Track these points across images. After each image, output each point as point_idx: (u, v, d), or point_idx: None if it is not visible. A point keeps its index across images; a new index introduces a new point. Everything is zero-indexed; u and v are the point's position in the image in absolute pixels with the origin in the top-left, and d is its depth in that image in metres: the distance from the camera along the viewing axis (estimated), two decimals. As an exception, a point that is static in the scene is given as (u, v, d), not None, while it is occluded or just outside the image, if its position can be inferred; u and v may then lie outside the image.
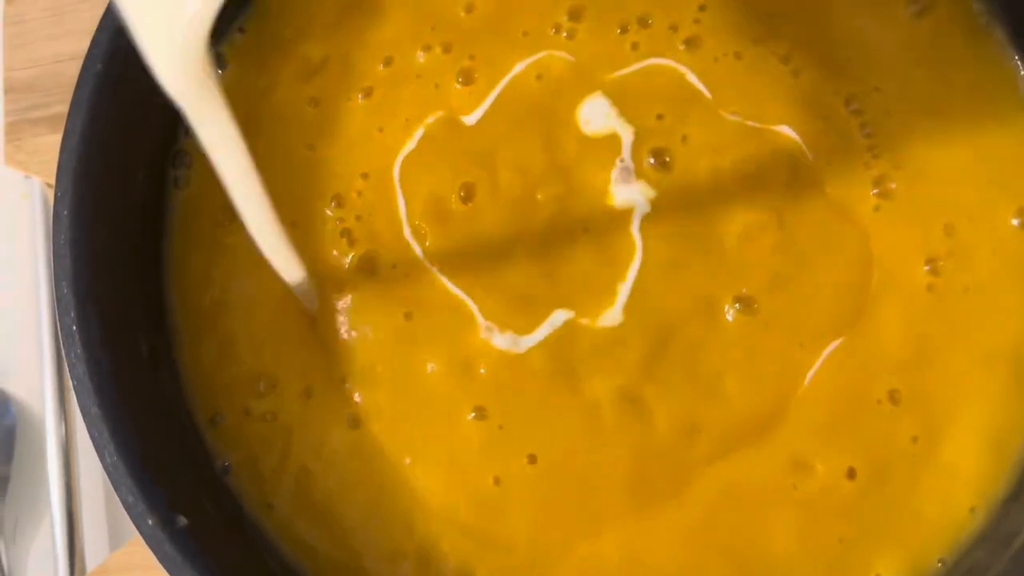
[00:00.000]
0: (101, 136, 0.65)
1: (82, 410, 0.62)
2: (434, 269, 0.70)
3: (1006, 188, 0.71)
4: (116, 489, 0.60)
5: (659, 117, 0.72)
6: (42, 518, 0.81)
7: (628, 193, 0.70)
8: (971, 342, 0.69)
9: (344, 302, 0.70)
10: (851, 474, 0.67)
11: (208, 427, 0.70)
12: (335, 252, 0.71)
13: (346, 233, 0.71)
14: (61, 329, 0.62)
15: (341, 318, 0.70)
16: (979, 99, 0.73)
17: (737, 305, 0.69)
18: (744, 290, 0.69)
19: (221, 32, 0.74)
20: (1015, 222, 0.71)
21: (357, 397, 0.69)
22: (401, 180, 0.72)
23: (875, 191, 0.71)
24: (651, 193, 0.70)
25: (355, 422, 0.69)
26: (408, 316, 0.70)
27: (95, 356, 0.62)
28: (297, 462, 0.69)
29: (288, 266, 0.65)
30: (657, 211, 0.70)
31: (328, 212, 0.72)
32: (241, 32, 0.75)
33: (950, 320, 0.69)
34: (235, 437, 0.69)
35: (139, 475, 0.61)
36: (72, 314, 0.62)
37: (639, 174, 0.71)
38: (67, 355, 0.62)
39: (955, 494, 0.67)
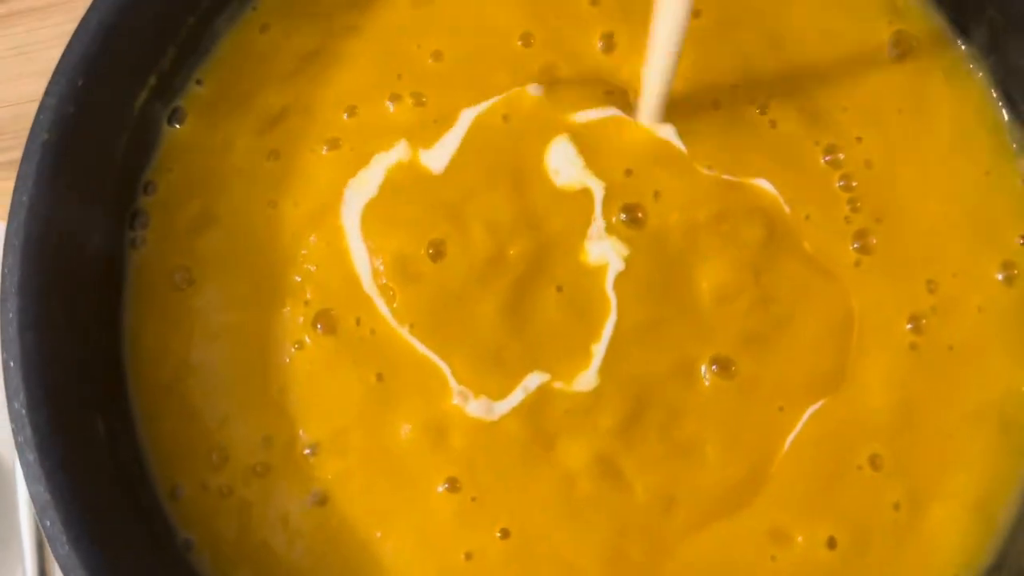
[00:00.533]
0: (51, 208, 0.63)
1: (33, 498, 0.59)
2: (403, 330, 0.67)
3: (991, 241, 0.69)
4: (69, 578, 0.58)
5: (628, 172, 0.69)
6: (14, 570, 0.79)
7: (601, 250, 0.67)
8: (956, 403, 0.67)
9: (309, 361, 0.68)
10: (831, 543, 0.65)
11: (168, 501, 0.68)
12: (289, 309, 0.69)
13: (306, 288, 0.69)
14: (10, 413, 0.60)
15: (308, 379, 0.68)
16: (963, 148, 0.71)
17: (714, 367, 0.67)
18: (721, 351, 0.67)
19: (179, 86, 0.71)
20: (1000, 277, 0.69)
21: (323, 465, 0.67)
22: (364, 234, 0.70)
23: (855, 245, 0.69)
24: (624, 251, 0.67)
25: (320, 494, 0.67)
26: (380, 378, 0.67)
27: (45, 443, 0.60)
28: (258, 536, 0.67)
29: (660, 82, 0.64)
30: (631, 269, 0.68)
31: (290, 269, 0.70)
32: (199, 84, 0.72)
33: (934, 380, 0.67)
34: (195, 512, 0.67)
35: (94, 566, 0.59)
36: (22, 397, 0.60)
37: (610, 230, 0.68)
38: (16, 440, 0.60)
39: (938, 563, 0.66)
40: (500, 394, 0.67)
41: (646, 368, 0.67)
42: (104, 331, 0.68)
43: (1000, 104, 0.71)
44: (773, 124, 0.71)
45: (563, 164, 0.69)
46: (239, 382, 0.68)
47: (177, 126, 0.71)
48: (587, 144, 0.70)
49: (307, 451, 0.67)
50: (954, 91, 0.71)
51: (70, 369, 0.64)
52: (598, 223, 0.68)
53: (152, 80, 0.69)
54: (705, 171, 0.69)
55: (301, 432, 0.68)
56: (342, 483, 0.67)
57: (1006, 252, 0.69)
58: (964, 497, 0.66)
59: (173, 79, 0.71)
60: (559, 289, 0.68)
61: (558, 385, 0.67)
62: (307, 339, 0.68)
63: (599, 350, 0.67)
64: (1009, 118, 0.71)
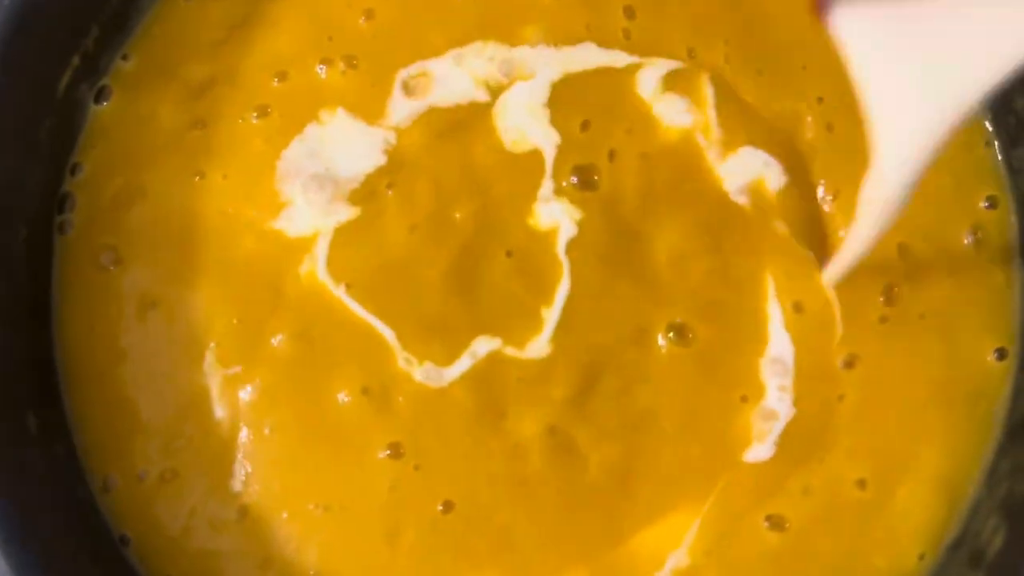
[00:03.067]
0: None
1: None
2: (339, 291, 0.64)
3: (958, 204, 0.67)
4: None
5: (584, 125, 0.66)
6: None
7: (552, 213, 0.64)
8: (925, 375, 0.65)
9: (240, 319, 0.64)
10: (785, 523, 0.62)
11: (102, 495, 0.64)
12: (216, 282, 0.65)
13: (236, 258, 0.65)
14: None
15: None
16: None
17: (671, 334, 0.62)
18: (678, 318, 0.63)
19: (105, 64, 0.68)
20: (967, 240, 0.67)
21: (256, 438, 0.64)
22: (304, 200, 0.66)
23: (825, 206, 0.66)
24: (577, 214, 0.63)
25: (253, 470, 0.64)
26: (311, 341, 0.64)
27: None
28: (195, 526, 0.64)
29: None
30: (584, 233, 0.65)
31: (218, 240, 0.66)
32: (124, 60, 0.69)
33: (904, 352, 0.65)
34: (129, 505, 0.64)
35: (25, 566, 0.57)
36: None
37: (559, 192, 0.65)
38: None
39: (903, 541, 0.63)
40: (446, 360, 0.63)
41: (600, 335, 0.64)
42: (34, 324, 0.65)
43: None
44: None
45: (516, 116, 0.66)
46: (168, 363, 0.65)
47: (104, 104, 0.68)
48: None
49: (243, 431, 0.64)
50: None
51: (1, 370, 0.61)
52: (548, 185, 0.64)
53: (75, 61, 0.66)
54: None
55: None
56: (275, 455, 0.64)
57: (973, 216, 0.67)
58: (930, 474, 0.63)
59: (99, 59, 0.68)
60: (509, 254, 0.65)
61: (509, 351, 0.64)
62: (236, 320, 0.65)
63: (551, 316, 0.64)
64: None
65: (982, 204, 0.67)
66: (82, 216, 0.67)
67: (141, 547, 0.64)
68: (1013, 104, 0.67)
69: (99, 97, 0.68)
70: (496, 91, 0.67)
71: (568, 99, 0.67)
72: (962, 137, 0.68)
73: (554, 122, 0.66)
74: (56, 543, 0.60)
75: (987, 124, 0.68)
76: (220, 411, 0.63)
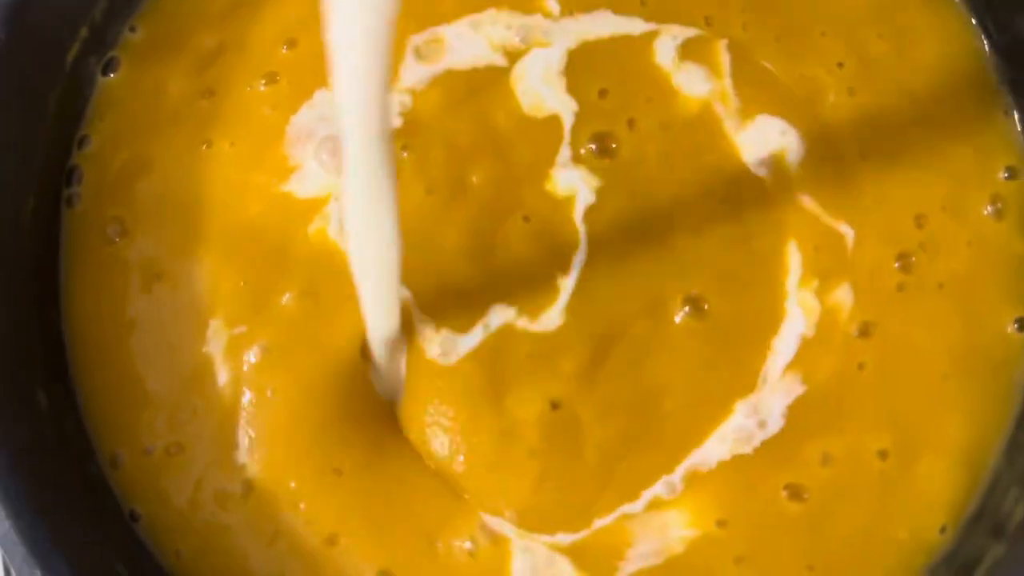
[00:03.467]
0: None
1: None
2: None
3: (978, 174, 0.66)
4: (11, 561, 0.55)
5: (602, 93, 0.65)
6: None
7: (571, 180, 0.64)
8: (945, 346, 0.64)
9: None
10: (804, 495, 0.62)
11: (111, 470, 0.63)
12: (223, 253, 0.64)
13: (244, 228, 0.65)
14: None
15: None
16: (946, 75, 0.67)
17: (687, 307, 0.62)
18: (694, 290, 0.63)
19: (112, 36, 0.68)
20: (988, 210, 0.65)
21: (261, 402, 0.63)
22: (317, 162, 0.65)
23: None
24: (595, 182, 0.63)
25: (258, 437, 0.63)
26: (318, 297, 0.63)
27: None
28: (204, 500, 0.63)
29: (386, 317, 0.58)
30: (602, 201, 0.64)
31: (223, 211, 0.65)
32: (132, 31, 0.68)
33: (924, 321, 0.64)
34: (138, 480, 0.63)
35: (36, 540, 0.56)
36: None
37: (577, 159, 0.64)
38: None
39: (924, 514, 0.62)
40: (463, 327, 0.62)
41: (615, 306, 0.63)
42: (43, 299, 0.65)
43: (981, 34, 0.68)
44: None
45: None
46: (174, 335, 0.64)
47: (111, 75, 0.67)
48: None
49: (246, 396, 0.63)
50: (934, 17, 0.68)
51: (8, 342, 0.61)
52: (566, 152, 0.64)
53: (84, 32, 0.66)
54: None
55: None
56: (279, 419, 0.63)
57: (993, 185, 0.66)
58: (952, 446, 0.63)
59: (106, 30, 0.67)
60: (526, 219, 0.64)
61: (521, 324, 0.62)
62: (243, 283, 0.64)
63: (567, 284, 0.63)
64: (989, 49, 0.68)
65: (1001, 175, 0.66)
66: (89, 189, 0.66)
67: (151, 522, 0.63)
68: (1033, 74, 0.66)
69: (107, 69, 0.67)
70: (514, 56, 0.66)
71: (585, 67, 0.66)
72: (980, 106, 0.67)
73: (571, 89, 0.65)
74: (68, 519, 0.59)
75: (1006, 93, 0.67)
76: (223, 378, 0.63)
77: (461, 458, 0.61)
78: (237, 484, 0.62)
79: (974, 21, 0.68)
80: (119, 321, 0.64)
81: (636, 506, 0.61)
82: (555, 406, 0.62)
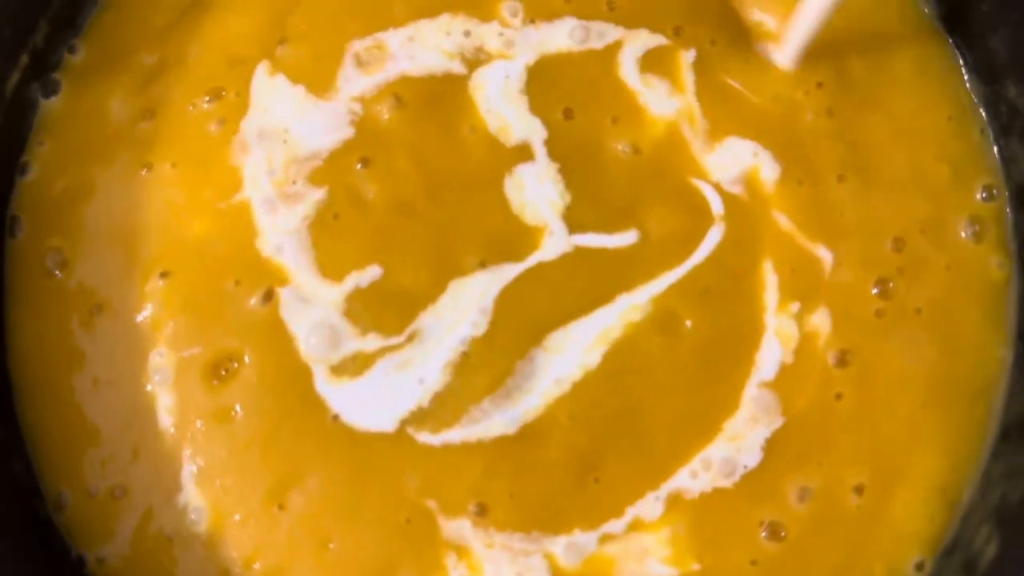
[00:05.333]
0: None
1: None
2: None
3: (956, 194, 0.65)
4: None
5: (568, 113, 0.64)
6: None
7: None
8: (923, 375, 0.62)
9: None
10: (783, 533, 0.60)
11: (56, 513, 0.61)
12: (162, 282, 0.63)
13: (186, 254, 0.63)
14: None
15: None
16: (924, 91, 0.66)
17: (664, 326, 0.62)
18: (671, 307, 0.62)
19: (55, 60, 0.66)
20: (965, 234, 0.64)
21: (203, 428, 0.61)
22: (275, 186, 0.64)
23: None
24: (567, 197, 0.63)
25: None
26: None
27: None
28: (152, 541, 0.60)
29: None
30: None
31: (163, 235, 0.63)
32: (73, 53, 0.66)
33: (901, 349, 0.62)
34: (83, 522, 0.61)
35: None
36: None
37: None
38: None
39: (900, 549, 0.60)
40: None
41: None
42: None
43: (956, 54, 0.67)
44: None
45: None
46: (115, 370, 0.62)
47: (53, 99, 0.66)
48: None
49: (191, 427, 0.61)
50: (911, 35, 0.67)
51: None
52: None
53: (25, 60, 0.64)
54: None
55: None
56: (227, 446, 0.60)
57: (971, 207, 0.64)
58: (929, 479, 0.61)
59: (48, 55, 0.66)
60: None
61: None
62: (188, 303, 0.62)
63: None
64: (965, 66, 0.67)
65: (979, 196, 0.65)
66: (29, 216, 0.64)
67: (101, 566, 0.60)
68: (1005, 92, 0.65)
69: (48, 92, 0.66)
70: (473, 64, 0.65)
71: (547, 84, 0.64)
72: (957, 124, 0.66)
73: (535, 109, 0.64)
74: (18, 564, 0.58)
75: (981, 111, 0.66)
76: (167, 412, 0.61)
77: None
78: (182, 524, 0.60)
79: (950, 40, 0.67)
80: (63, 357, 0.62)
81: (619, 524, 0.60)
82: None
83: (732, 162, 0.63)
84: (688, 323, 0.61)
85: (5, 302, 0.63)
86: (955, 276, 0.63)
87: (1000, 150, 0.66)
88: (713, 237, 0.62)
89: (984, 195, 0.64)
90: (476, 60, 0.64)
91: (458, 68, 0.64)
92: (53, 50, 0.65)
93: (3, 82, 0.63)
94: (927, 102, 0.66)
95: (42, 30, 0.65)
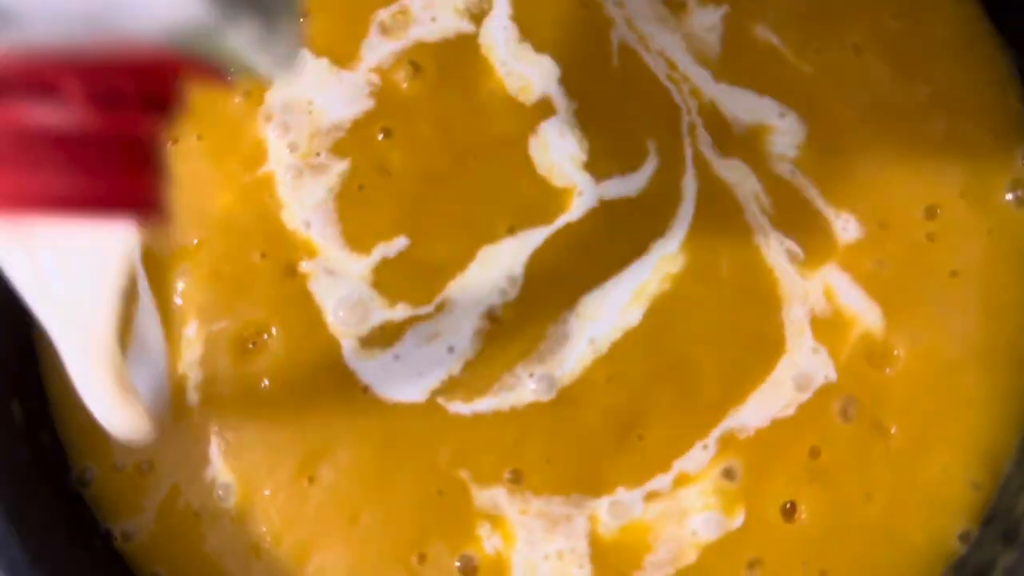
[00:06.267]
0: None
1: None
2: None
3: (997, 160, 0.63)
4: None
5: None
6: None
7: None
8: (963, 338, 0.61)
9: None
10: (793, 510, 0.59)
11: (85, 487, 0.61)
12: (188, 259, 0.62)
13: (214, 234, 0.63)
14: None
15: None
16: (963, 56, 0.65)
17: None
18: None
19: None
20: (1009, 197, 0.63)
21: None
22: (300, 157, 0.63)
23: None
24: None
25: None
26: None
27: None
28: (179, 514, 0.60)
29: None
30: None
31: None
32: None
33: (938, 312, 0.61)
34: (110, 497, 0.61)
35: (13, 565, 0.55)
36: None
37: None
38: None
39: (941, 520, 0.59)
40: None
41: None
42: (14, 308, 0.59)
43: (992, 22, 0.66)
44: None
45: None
46: (145, 341, 0.62)
47: None
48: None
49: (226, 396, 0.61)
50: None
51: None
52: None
53: None
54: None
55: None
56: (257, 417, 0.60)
57: (1013, 171, 0.63)
58: (967, 445, 0.60)
59: None
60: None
61: None
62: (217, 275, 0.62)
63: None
64: (1001, 35, 0.66)
65: (1021, 161, 0.63)
66: None
67: (128, 541, 0.60)
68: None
69: None
70: (479, 17, 0.65)
71: (537, 20, 0.65)
72: (994, 89, 0.65)
73: (540, 48, 0.64)
74: (46, 536, 0.57)
75: (1018, 81, 0.65)
76: (193, 392, 0.61)
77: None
78: (210, 499, 0.60)
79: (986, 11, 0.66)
80: None
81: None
82: None
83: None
84: (724, 266, 0.61)
85: None
86: (996, 240, 0.62)
87: (1039, 120, 0.65)
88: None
89: (1025, 161, 0.64)
90: (480, 12, 0.64)
91: (467, 26, 0.64)
92: None
93: None
94: (965, 63, 0.65)
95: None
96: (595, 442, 0.59)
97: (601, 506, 0.58)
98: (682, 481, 0.59)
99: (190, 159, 0.63)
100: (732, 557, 0.58)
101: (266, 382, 0.60)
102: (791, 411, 0.59)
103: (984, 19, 0.66)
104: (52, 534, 0.58)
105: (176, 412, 0.60)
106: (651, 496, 0.59)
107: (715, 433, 0.59)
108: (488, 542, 0.58)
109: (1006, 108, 0.64)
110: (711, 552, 0.58)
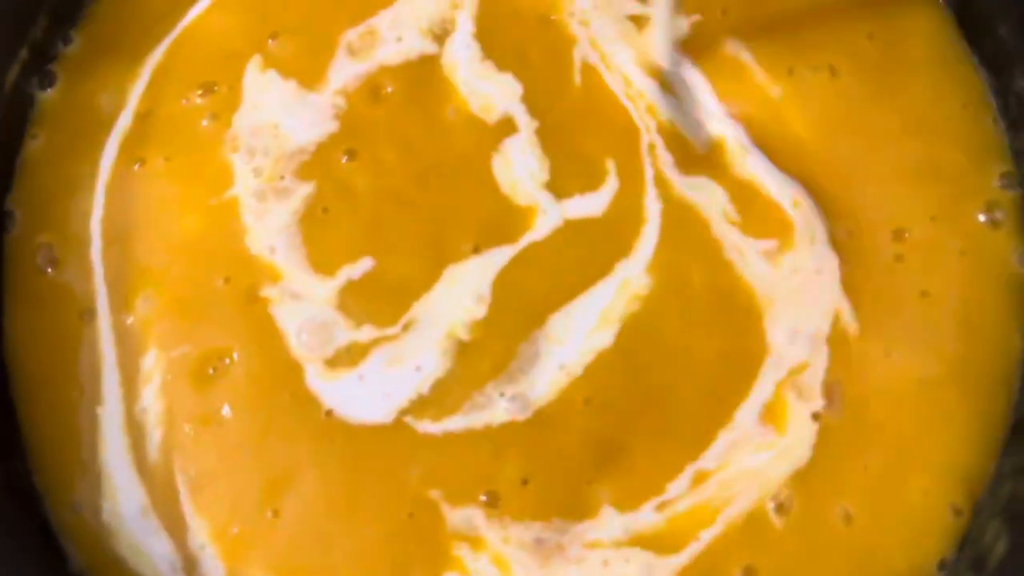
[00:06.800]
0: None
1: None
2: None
3: (972, 181, 0.64)
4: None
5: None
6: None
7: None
8: (937, 360, 0.60)
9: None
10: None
11: (54, 518, 0.60)
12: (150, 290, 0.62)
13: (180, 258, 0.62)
14: None
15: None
16: (937, 76, 0.65)
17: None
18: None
19: (53, 52, 0.66)
20: (983, 219, 0.63)
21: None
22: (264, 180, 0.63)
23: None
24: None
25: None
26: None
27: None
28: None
29: None
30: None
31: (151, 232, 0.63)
32: (71, 44, 0.66)
33: (910, 329, 0.61)
34: (78, 533, 0.59)
35: None
36: None
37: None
38: None
39: (923, 544, 0.59)
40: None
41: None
42: None
43: (967, 42, 0.67)
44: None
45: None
46: (101, 387, 0.61)
47: (49, 91, 0.66)
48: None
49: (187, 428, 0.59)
50: (924, 20, 0.67)
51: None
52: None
53: (24, 53, 0.65)
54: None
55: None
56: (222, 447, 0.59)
57: (987, 192, 0.63)
58: (947, 467, 0.59)
59: (47, 48, 0.66)
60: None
61: None
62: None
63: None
64: (976, 55, 0.66)
65: (996, 183, 0.64)
66: (24, 210, 0.64)
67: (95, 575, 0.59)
68: (1013, 85, 0.64)
69: (45, 84, 0.66)
70: (441, 38, 0.65)
71: (499, 38, 0.65)
72: (969, 111, 0.65)
73: (503, 66, 0.64)
74: (15, 566, 0.57)
75: (992, 99, 0.65)
76: (155, 430, 0.59)
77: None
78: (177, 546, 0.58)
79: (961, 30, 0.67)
80: (56, 362, 0.61)
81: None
82: None
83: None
84: (696, 284, 0.60)
85: (4, 298, 0.63)
86: (970, 261, 0.62)
87: (1010, 141, 0.65)
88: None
89: (1002, 183, 0.63)
90: (443, 32, 0.64)
91: (431, 47, 0.64)
92: (51, 43, 0.66)
93: (2, 76, 0.63)
94: (939, 85, 0.65)
95: (41, 23, 0.65)
96: (574, 465, 0.58)
97: (584, 529, 0.57)
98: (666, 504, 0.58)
99: (156, 181, 0.63)
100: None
101: (226, 409, 0.59)
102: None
103: (959, 40, 0.66)
104: (21, 564, 0.57)
105: (137, 457, 0.59)
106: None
107: (705, 452, 0.58)
108: (474, 564, 0.57)
109: (981, 130, 0.65)
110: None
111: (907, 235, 0.62)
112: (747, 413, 0.59)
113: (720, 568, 0.57)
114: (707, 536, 0.57)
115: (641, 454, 0.58)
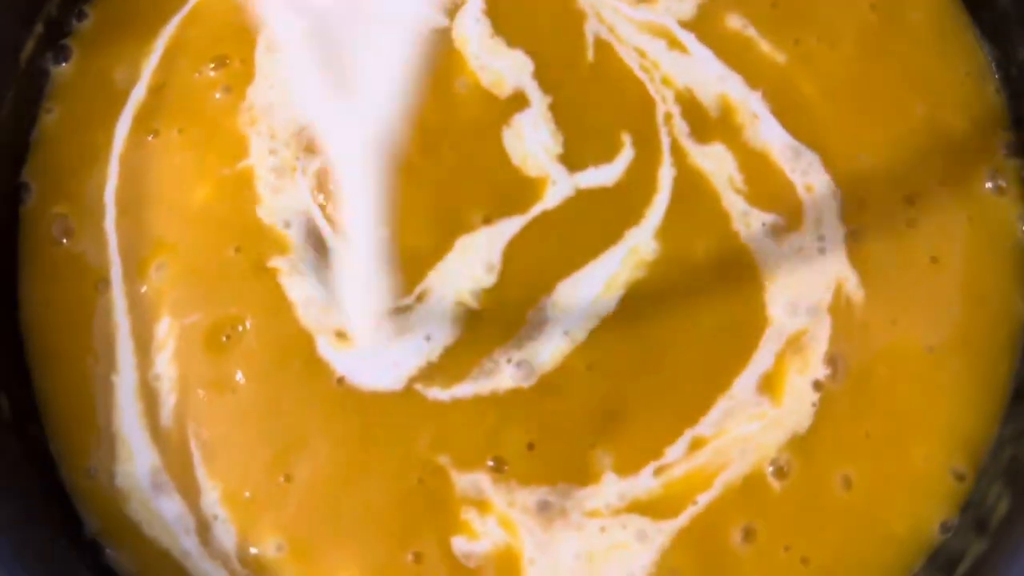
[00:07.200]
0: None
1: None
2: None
3: (977, 149, 0.64)
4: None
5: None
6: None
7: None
8: (940, 327, 0.61)
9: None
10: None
11: (73, 485, 0.61)
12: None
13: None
14: None
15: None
16: (940, 46, 0.66)
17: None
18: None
19: (69, 27, 0.67)
20: (989, 186, 0.63)
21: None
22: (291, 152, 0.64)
23: None
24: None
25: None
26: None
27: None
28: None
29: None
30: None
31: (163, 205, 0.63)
32: (85, 18, 0.67)
33: (918, 296, 0.61)
34: (98, 496, 0.60)
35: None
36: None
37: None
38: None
39: (923, 509, 0.59)
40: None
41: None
42: (3, 302, 0.63)
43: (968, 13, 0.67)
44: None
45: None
46: (116, 353, 0.61)
47: (63, 65, 0.66)
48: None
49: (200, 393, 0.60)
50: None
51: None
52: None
53: (39, 28, 0.65)
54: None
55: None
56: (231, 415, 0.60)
57: (992, 160, 0.64)
58: (949, 433, 0.60)
59: (62, 23, 0.67)
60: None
61: None
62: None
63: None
64: (976, 26, 0.67)
65: (1002, 151, 0.64)
66: (40, 182, 0.64)
67: (110, 539, 0.60)
68: (1015, 55, 0.65)
69: (60, 58, 0.66)
70: (452, 11, 0.65)
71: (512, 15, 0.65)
72: (973, 80, 0.65)
73: (514, 43, 0.65)
74: (30, 530, 0.57)
75: (994, 71, 0.66)
76: (168, 403, 0.60)
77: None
78: (190, 509, 0.59)
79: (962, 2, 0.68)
80: (70, 331, 0.62)
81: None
82: None
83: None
84: (701, 253, 0.61)
85: (19, 270, 0.63)
86: (976, 228, 0.62)
87: (1012, 110, 0.65)
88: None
89: (1006, 150, 0.64)
90: (454, 6, 0.65)
91: (442, 20, 0.65)
92: (65, 18, 0.66)
93: (17, 51, 0.64)
94: (943, 54, 0.65)
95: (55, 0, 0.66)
96: (578, 430, 0.59)
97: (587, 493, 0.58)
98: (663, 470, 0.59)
99: (170, 152, 0.63)
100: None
101: (240, 375, 0.60)
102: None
103: (961, 11, 0.67)
104: (38, 530, 0.58)
105: (151, 423, 0.60)
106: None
107: (703, 419, 0.59)
108: (482, 527, 0.57)
109: (984, 99, 0.65)
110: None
111: (919, 200, 0.62)
112: (746, 381, 0.59)
113: (718, 529, 0.58)
114: (704, 499, 0.58)
115: (642, 419, 0.59)
